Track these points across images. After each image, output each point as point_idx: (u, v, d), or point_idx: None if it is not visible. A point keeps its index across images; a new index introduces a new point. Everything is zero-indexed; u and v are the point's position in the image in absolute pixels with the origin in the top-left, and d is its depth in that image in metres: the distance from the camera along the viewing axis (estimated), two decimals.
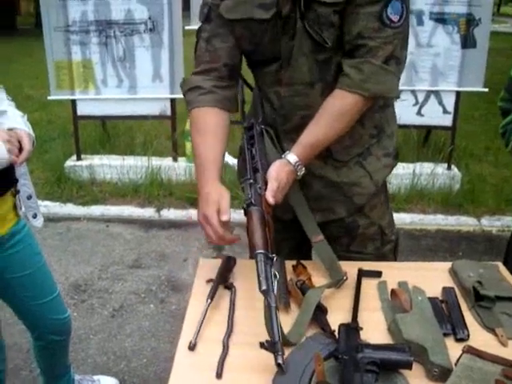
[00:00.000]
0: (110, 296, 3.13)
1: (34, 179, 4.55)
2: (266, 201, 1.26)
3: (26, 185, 1.75)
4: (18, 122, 1.58)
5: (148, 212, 4.26)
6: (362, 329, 1.18)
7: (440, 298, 1.35)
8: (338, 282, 1.41)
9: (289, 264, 1.48)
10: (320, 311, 1.27)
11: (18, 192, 1.69)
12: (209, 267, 1.50)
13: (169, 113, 4.47)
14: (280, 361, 1.02)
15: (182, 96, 1.53)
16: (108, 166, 4.59)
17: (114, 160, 4.65)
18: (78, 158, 4.68)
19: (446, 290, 1.39)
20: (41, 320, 1.88)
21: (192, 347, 1.18)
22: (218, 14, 1.43)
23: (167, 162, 4.63)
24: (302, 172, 1.38)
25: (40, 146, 5.43)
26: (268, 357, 1.05)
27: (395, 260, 1.72)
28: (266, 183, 1.31)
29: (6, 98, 1.68)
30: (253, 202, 1.26)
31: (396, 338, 1.20)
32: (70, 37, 4.18)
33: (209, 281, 1.43)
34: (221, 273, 1.45)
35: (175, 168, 4.57)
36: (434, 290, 1.39)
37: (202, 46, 1.48)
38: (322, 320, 1.24)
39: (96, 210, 4.28)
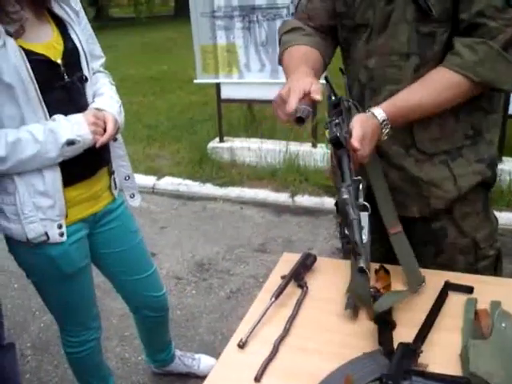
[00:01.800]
0: (230, 278, 3.19)
1: (178, 159, 4.86)
2: (352, 148, 1.11)
3: (123, 166, 1.82)
4: (109, 105, 1.63)
5: (282, 197, 4.26)
6: (422, 352, 1.04)
7: None
8: (414, 288, 1.28)
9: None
10: (386, 325, 1.15)
11: (113, 172, 1.76)
12: (291, 263, 1.43)
13: None
14: (362, 264, 0.95)
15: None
16: (247, 148, 4.68)
17: (254, 143, 4.73)
18: (221, 140, 4.83)
19: None
20: (134, 295, 1.96)
21: (242, 345, 1.14)
22: None
23: (305, 147, 4.59)
24: (387, 132, 1.21)
25: (191, 127, 5.72)
26: (315, 366, 0.99)
27: None
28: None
29: (108, 83, 1.75)
30: (338, 136, 1.10)
31: (464, 368, 1.03)
32: (215, 22, 4.30)
33: (283, 277, 1.37)
34: (295, 270, 1.38)
35: (313, 154, 4.51)
36: None
37: (302, 3, 1.52)
38: (386, 335, 1.12)
39: (232, 191, 4.38)
